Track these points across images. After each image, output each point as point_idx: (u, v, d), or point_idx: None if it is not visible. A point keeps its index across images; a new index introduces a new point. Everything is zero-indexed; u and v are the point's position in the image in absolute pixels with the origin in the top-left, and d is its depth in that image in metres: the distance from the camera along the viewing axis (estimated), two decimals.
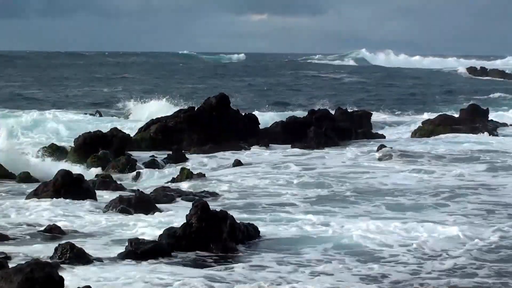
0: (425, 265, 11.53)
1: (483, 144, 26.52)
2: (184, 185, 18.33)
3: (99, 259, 11.34)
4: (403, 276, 10.94)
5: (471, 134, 29.02)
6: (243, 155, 23.90)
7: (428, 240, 12.86)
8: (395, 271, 11.15)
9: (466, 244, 12.65)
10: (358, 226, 13.82)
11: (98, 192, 16.92)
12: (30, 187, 17.54)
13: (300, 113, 31.99)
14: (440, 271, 11.24)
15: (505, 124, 33.46)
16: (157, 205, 15.57)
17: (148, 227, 13.78)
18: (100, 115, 36.21)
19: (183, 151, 23.75)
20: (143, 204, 15.36)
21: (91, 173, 20.14)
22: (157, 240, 12.05)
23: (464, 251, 12.26)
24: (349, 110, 33.12)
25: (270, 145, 26.64)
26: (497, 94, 56.24)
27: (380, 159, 22.97)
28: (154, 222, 14.21)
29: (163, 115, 28.16)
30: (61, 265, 10.74)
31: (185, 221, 12.23)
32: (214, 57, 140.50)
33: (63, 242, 11.56)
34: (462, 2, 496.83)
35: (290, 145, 26.50)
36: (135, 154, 23.24)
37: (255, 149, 25.67)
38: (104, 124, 29.94)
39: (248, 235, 12.67)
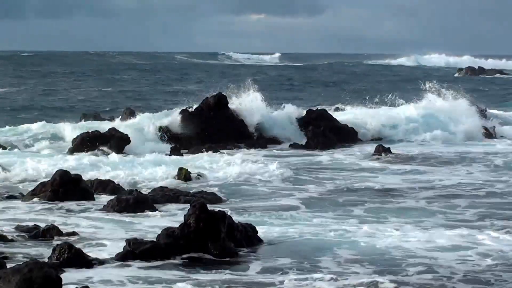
0: (436, 270, 11.29)
1: (478, 146, 26.70)
2: (182, 185, 18.32)
3: (97, 260, 11.32)
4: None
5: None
6: (241, 155, 23.87)
7: (433, 242, 12.82)
8: (401, 276, 11.02)
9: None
10: (360, 228, 13.80)
11: (96, 193, 16.91)
12: (28, 187, 17.53)
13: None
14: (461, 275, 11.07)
15: None
16: (155, 205, 15.57)
17: (146, 227, 13.78)
18: None
19: (181, 151, 23.74)
20: (141, 204, 15.36)
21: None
22: (155, 240, 12.04)
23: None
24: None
25: (268, 145, 26.66)
26: None
27: (378, 160, 23.02)
28: (152, 222, 14.21)
29: None
30: (59, 266, 10.72)
31: (183, 221, 12.21)
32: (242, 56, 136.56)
33: (61, 242, 11.55)
34: (461, 1, 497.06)
35: (288, 145, 26.54)
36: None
37: (253, 149, 25.67)
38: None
39: (246, 236, 12.66)
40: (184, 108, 28.16)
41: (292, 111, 29.85)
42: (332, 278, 10.69)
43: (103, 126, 26.23)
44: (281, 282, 10.48)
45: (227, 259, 11.66)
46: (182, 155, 23.12)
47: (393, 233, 13.39)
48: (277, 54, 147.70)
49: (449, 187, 18.45)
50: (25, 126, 27.36)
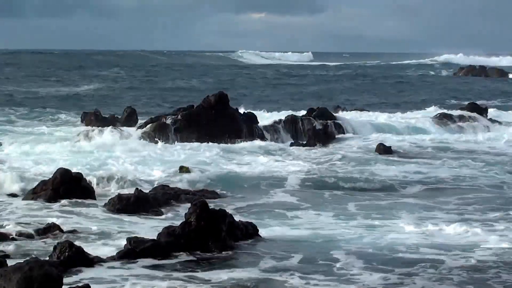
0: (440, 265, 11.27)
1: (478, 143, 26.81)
2: (183, 184, 18.32)
3: (98, 258, 11.33)
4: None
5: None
6: (242, 154, 23.88)
7: (435, 237, 12.86)
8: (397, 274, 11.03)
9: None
10: (362, 224, 13.80)
11: (97, 191, 16.91)
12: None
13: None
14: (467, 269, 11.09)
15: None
16: (156, 204, 15.57)
17: (147, 225, 13.78)
18: None
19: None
20: (142, 203, 15.36)
21: None
22: (156, 238, 12.04)
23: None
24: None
25: (269, 143, 26.63)
26: None
27: (378, 155, 23.07)
28: (153, 220, 14.21)
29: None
30: (60, 264, 10.73)
31: (184, 220, 12.22)
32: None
33: (62, 240, 11.56)
34: (462, 0, 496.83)
35: (289, 143, 26.53)
36: None
37: (254, 147, 25.66)
38: None
39: (247, 234, 12.67)
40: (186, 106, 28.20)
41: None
42: (334, 276, 10.71)
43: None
44: (283, 280, 10.48)
45: (229, 257, 11.66)
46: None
47: (395, 229, 13.40)
48: (307, 53, 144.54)
49: (452, 183, 18.47)
50: None
